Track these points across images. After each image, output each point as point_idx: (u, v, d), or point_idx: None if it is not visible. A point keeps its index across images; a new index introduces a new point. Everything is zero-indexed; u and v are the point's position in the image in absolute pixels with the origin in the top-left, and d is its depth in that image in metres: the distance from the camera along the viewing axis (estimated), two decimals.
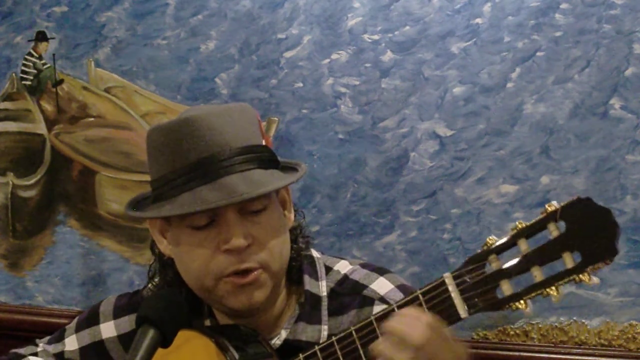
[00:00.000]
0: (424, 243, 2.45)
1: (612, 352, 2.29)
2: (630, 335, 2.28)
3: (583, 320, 2.32)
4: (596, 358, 2.29)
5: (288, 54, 2.58)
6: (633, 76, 2.24)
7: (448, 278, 1.22)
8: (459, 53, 2.39)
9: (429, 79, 2.43)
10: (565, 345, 2.33)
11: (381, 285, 1.47)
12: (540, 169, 2.33)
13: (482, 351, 2.36)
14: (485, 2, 2.35)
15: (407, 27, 2.44)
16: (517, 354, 2.35)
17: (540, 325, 2.35)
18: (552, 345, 2.34)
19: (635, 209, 2.25)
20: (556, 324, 2.33)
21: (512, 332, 2.37)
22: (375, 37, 2.48)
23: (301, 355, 1.35)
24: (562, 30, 2.29)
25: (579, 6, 2.27)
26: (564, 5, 2.29)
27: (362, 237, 2.52)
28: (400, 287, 1.47)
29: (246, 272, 1.37)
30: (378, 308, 1.41)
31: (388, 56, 2.47)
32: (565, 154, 2.31)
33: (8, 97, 3.01)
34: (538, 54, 2.32)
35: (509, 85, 2.35)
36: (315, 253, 1.54)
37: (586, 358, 2.30)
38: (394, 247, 2.48)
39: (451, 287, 1.21)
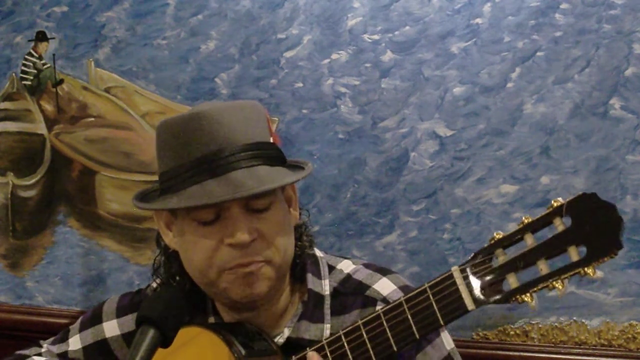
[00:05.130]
0: (424, 243, 2.45)
1: (612, 352, 2.29)
2: (630, 335, 2.28)
3: (583, 320, 2.32)
4: (596, 358, 2.29)
5: (288, 54, 2.59)
6: (633, 76, 2.24)
7: (456, 271, 1.24)
8: (459, 53, 2.39)
9: (429, 79, 2.43)
10: (565, 345, 2.33)
11: (384, 286, 1.48)
12: (540, 169, 2.33)
13: (482, 351, 2.36)
14: (485, 2, 2.36)
15: (407, 27, 2.44)
16: (517, 354, 2.35)
17: (540, 325, 2.35)
18: (552, 345, 2.34)
19: (635, 209, 2.25)
20: (556, 324, 2.33)
21: (512, 332, 2.37)
22: (375, 37, 2.48)
23: (308, 349, 1.35)
24: (562, 30, 2.29)
25: (579, 6, 2.27)
26: (564, 5, 2.29)
27: (362, 237, 2.52)
28: (403, 288, 1.47)
29: (249, 264, 1.37)
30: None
31: (388, 56, 2.47)
32: (565, 154, 2.31)
33: (8, 97, 3.01)
34: (538, 54, 2.32)
35: (509, 85, 2.35)
36: (318, 252, 1.55)
37: (586, 358, 2.30)
38: (394, 247, 2.48)
39: (459, 280, 1.23)
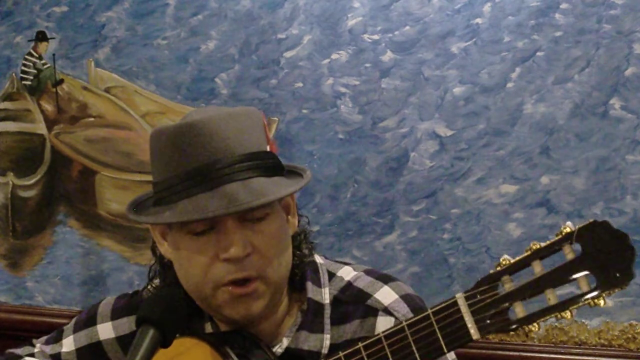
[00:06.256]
0: (424, 243, 2.45)
1: (612, 352, 2.29)
2: (630, 335, 2.28)
3: (583, 320, 2.31)
4: (596, 358, 2.29)
5: (288, 54, 2.58)
6: (633, 76, 2.24)
7: (460, 299, 1.20)
8: (459, 53, 2.39)
9: (429, 79, 2.43)
10: (565, 345, 2.33)
11: (385, 295, 1.44)
12: (540, 169, 2.33)
13: (482, 351, 2.36)
14: (485, 2, 2.35)
15: (407, 27, 2.44)
16: (517, 354, 2.35)
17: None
18: (552, 345, 2.33)
19: (635, 209, 2.25)
20: (556, 324, 2.33)
21: (512, 332, 2.37)
22: (375, 37, 2.48)
23: None
24: (562, 30, 2.29)
25: (579, 6, 2.27)
26: (564, 5, 2.29)
27: (362, 237, 2.52)
28: (405, 297, 1.44)
29: (244, 281, 1.34)
30: (382, 319, 1.40)
31: (388, 56, 2.46)
32: (565, 154, 2.31)
33: (8, 97, 3.01)
34: (538, 54, 2.32)
35: (509, 85, 2.35)
36: (318, 259, 1.51)
37: (586, 358, 2.30)
38: (394, 247, 2.48)
39: (463, 308, 1.19)
